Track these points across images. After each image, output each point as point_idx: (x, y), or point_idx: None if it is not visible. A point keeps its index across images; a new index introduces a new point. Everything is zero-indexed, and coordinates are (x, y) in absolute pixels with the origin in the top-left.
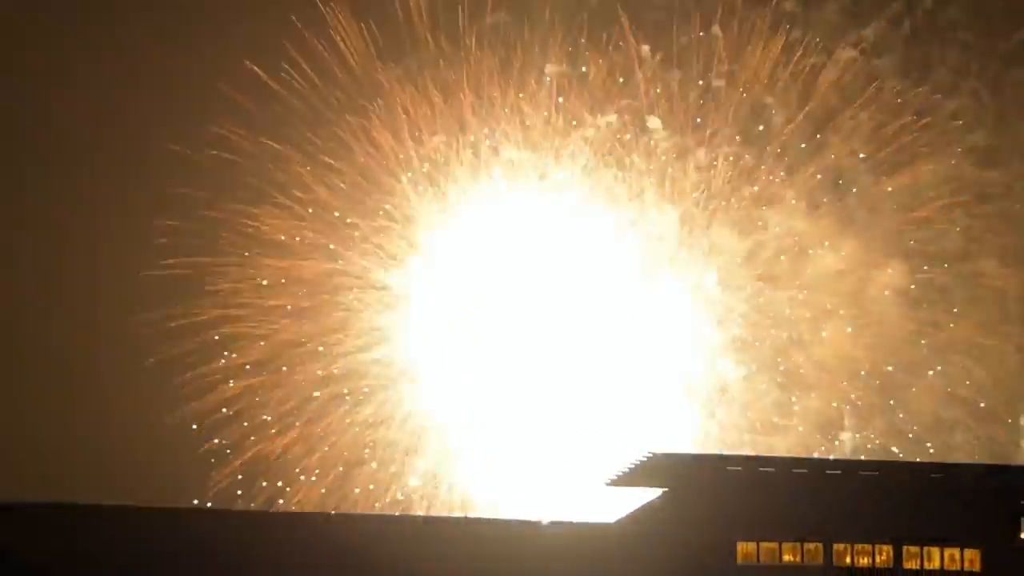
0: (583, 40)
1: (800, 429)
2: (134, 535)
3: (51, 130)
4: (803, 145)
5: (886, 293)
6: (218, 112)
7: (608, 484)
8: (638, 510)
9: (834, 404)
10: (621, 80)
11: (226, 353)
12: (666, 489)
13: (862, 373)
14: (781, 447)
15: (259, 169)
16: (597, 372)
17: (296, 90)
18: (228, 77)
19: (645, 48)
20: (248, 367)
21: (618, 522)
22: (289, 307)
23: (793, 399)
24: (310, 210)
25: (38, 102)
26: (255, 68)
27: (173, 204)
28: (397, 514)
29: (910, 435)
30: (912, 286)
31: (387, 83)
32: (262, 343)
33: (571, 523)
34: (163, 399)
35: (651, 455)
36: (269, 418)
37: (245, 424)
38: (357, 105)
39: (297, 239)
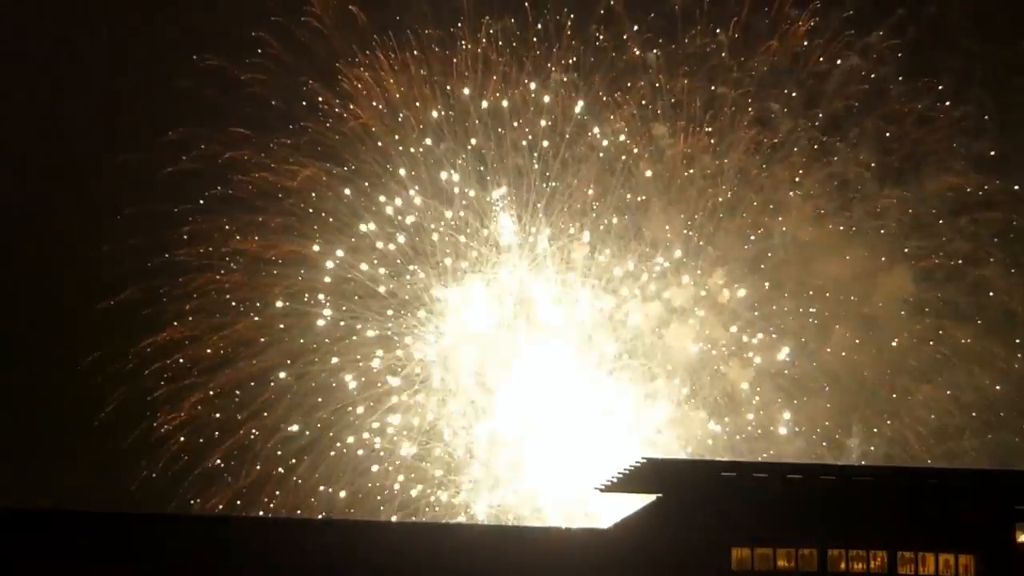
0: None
1: (809, 436)
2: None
3: None
4: (811, 150)
5: (892, 300)
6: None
7: (602, 490)
8: (632, 515)
9: (840, 411)
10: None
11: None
12: (660, 495)
13: (867, 380)
14: (788, 454)
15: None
16: (603, 379)
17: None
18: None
19: (651, 55)
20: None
21: (612, 527)
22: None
23: (799, 405)
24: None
25: None
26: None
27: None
28: (397, 520)
29: (916, 441)
30: (916, 293)
31: (392, 90)
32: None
33: (566, 529)
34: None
35: (644, 460)
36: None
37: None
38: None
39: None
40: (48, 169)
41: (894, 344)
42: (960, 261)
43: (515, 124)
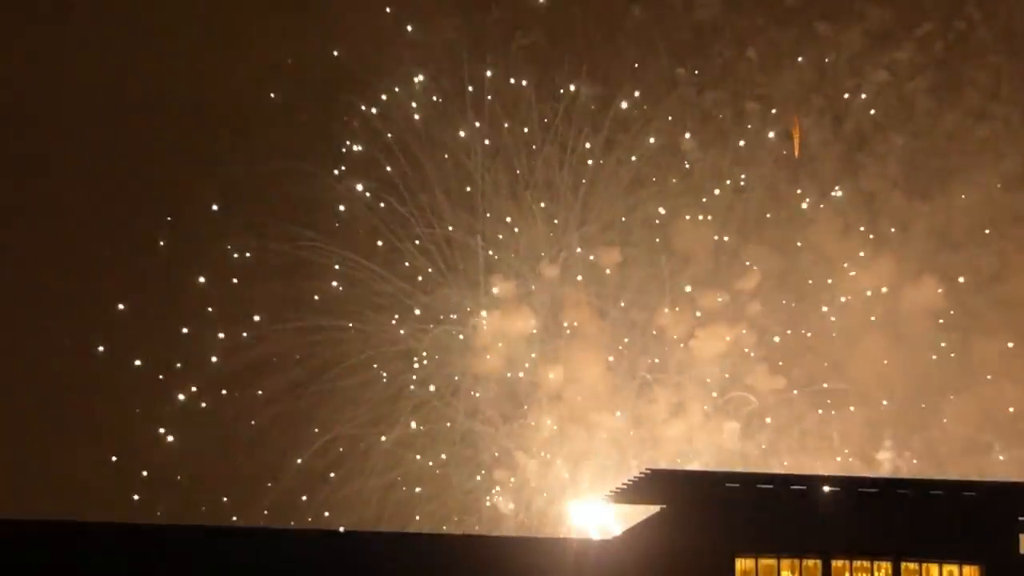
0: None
1: (840, 450)
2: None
3: None
4: (838, 164)
5: (920, 314)
6: None
7: (606, 500)
8: (636, 526)
9: (870, 424)
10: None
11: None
12: (664, 505)
13: (897, 393)
14: (819, 468)
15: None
16: (628, 391)
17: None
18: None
19: (680, 71)
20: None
21: (616, 538)
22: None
23: (829, 418)
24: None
25: None
26: None
27: None
28: (399, 532)
29: (946, 455)
30: (945, 308)
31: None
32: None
33: (569, 539)
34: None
35: (649, 471)
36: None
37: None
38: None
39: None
40: None
41: (922, 356)
42: (988, 275)
43: (545, 138)
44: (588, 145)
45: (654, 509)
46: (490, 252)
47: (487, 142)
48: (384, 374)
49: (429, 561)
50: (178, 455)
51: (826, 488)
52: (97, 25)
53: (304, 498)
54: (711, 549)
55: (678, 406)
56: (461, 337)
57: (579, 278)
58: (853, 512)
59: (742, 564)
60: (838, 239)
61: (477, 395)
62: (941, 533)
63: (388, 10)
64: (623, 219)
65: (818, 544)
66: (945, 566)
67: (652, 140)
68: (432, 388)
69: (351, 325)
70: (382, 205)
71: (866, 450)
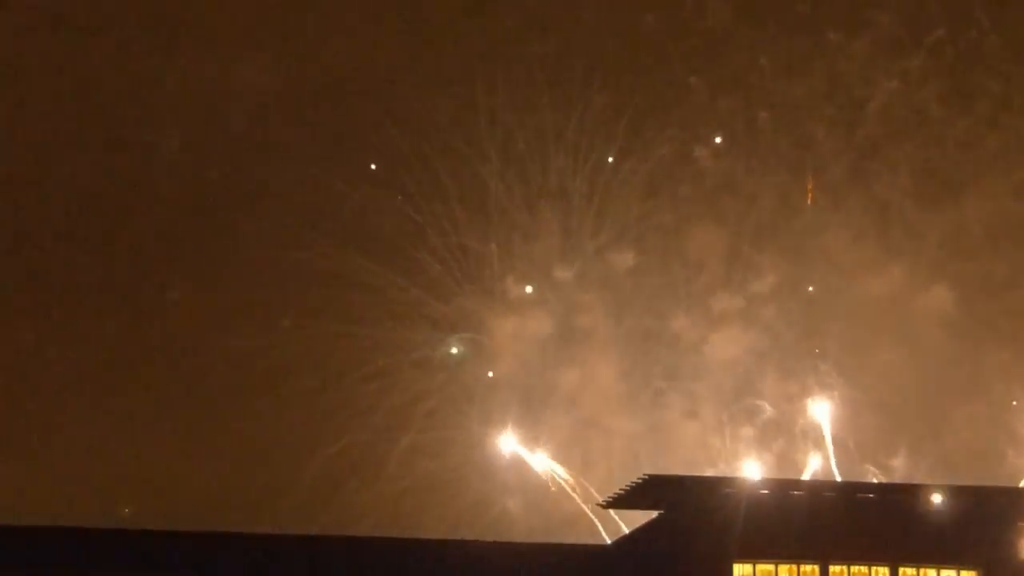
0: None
1: (854, 455)
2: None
3: None
4: (851, 173)
5: (932, 321)
6: None
7: (603, 506)
8: (634, 531)
9: (882, 430)
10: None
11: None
12: (662, 511)
13: (910, 399)
14: (829, 474)
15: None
16: (642, 398)
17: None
18: None
19: (692, 79)
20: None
21: (614, 543)
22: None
23: (838, 423)
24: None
25: None
26: None
27: None
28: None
29: (960, 462)
30: (956, 315)
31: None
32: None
33: (566, 544)
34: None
35: (647, 477)
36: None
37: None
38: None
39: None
40: None
41: (934, 365)
42: (999, 283)
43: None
44: (601, 153)
45: (652, 515)
46: (504, 260)
47: (501, 150)
48: (400, 380)
49: (428, 566)
50: (194, 460)
51: (823, 494)
52: (110, 34)
53: (320, 503)
54: (709, 555)
55: (691, 412)
56: (475, 343)
57: (593, 285)
58: (851, 517)
59: (740, 570)
60: (850, 247)
61: (490, 400)
62: (939, 538)
63: (404, 19)
64: (637, 226)
65: (816, 549)
66: (943, 570)
67: (665, 148)
68: (446, 393)
69: (368, 332)
70: (398, 213)
71: (879, 457)
